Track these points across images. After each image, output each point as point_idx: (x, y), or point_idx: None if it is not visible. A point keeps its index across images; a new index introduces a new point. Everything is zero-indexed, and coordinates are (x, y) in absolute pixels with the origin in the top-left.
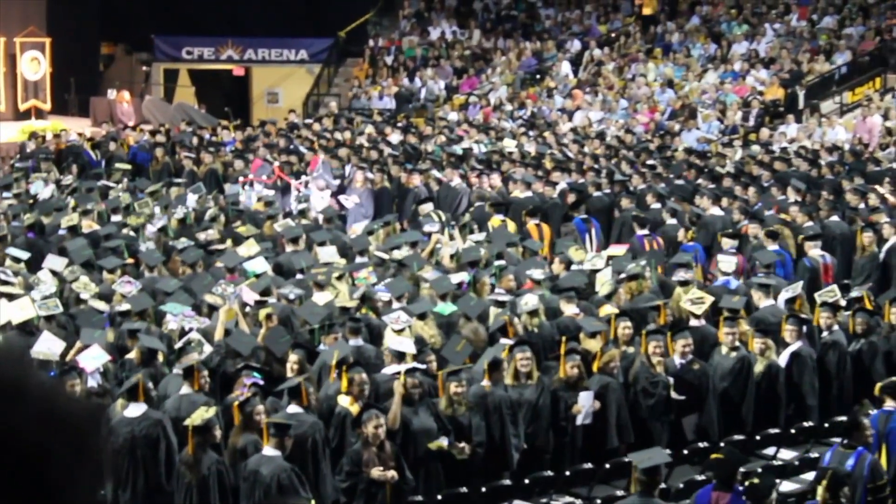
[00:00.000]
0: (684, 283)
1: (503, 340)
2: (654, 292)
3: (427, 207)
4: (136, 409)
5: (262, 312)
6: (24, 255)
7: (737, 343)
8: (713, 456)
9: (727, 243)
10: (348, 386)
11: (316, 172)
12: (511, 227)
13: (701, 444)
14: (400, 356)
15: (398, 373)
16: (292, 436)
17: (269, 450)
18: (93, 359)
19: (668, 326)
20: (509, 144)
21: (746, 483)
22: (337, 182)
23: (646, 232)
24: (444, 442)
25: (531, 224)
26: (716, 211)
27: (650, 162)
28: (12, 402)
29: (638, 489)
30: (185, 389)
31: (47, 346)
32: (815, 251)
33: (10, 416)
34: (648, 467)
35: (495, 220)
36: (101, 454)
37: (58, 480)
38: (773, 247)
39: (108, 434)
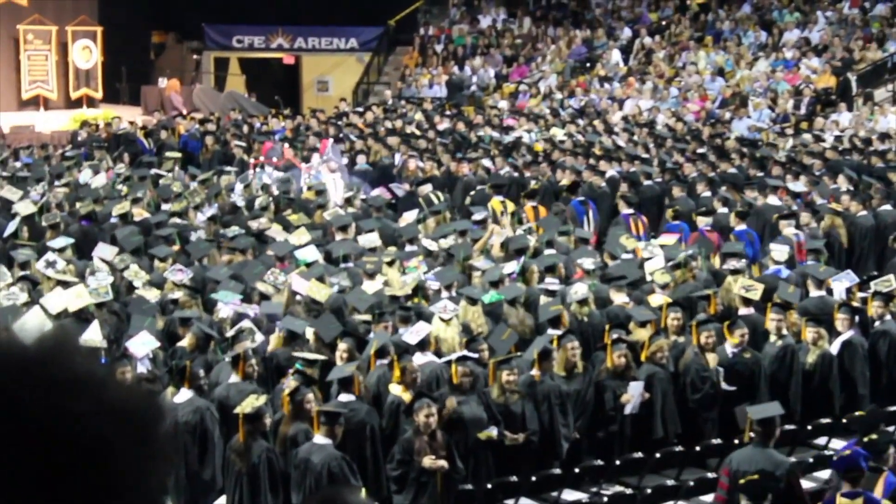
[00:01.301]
0: (735, 272)
1: (550, 331)
2: (705, 282)
3: (426, 189)
4: (183, 396)
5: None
6: (66, 241)
7: (784, 331)
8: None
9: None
10: (400, 375)
11: (326, 155)
12: (510, 207)
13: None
14: (421, 346)
15: (449, 361)
16: (342, 424)
17: (319, 438)
18: (142, 344)
19: (718, 316)
20: (559, 133)
21: (865, 439)
22: (345, 162)
23: (631, 211)
24: (493, 432)
25: (528, 206)
26: (770, 200)
27: (701, 151)
28: (71, 394)
29: (755, 440)
30: (234, 378)
31: (96, 333)
32: (788, 230)
33: (70, 408)
34: (764, 418)
35: (495, 202)
36: (164, 441)
37: (124, 471)
38: (741, 227)
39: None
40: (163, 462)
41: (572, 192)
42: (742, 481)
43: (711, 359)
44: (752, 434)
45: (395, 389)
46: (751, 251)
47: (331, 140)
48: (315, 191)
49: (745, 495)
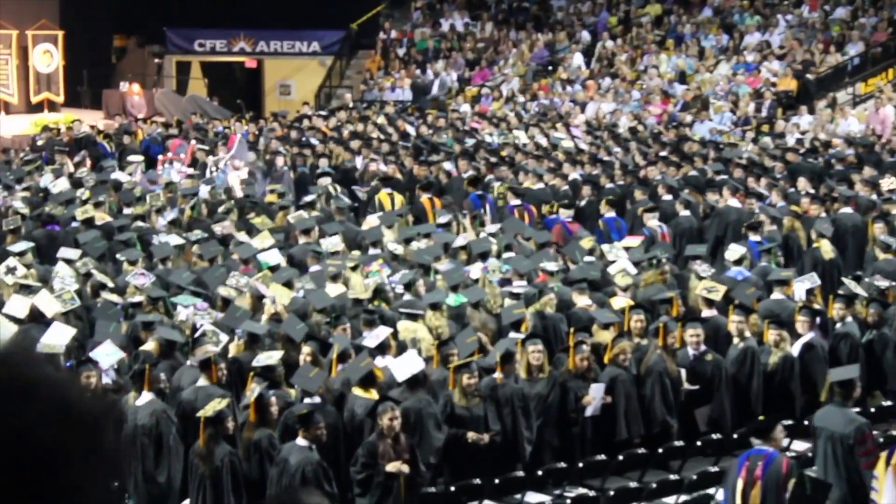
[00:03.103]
0: (700, 276)
1: (513, 334)
2: (669, 284)
3: (325, 181)
4: (143, 399)
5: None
6: (26, 245)
7: (746, 333)
8: None
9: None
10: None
11: (233, 151)
12: (399, 200)
13: (714, 436)
14: (381, 350)
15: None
16: (320, 424)
17: (300, 440)
18: (107, 356)
19: (680, 318)
20: (521, 136)
21: None
22: (252, 158)
23: (518, 202)
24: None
25: (424, 198)
26: (732, 203)
27: (663, 153)
28: (24, 400)
29: (835, 400)
30: (202, 381)
31: (54, 338)
32: (652, 222)
33: (22, 414)
34: (843, 380)
35: (383, 195)
36: (117, 448)
37: (74, 476)
38: (610, 214)
39: (122, 427)
40: (117, 466)
41: (473, 185)
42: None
43: (673, 360)
44: (833, 395)
45: (358, 392)
46: (617, 237)
47: (238, 136)
48: (277, 193)
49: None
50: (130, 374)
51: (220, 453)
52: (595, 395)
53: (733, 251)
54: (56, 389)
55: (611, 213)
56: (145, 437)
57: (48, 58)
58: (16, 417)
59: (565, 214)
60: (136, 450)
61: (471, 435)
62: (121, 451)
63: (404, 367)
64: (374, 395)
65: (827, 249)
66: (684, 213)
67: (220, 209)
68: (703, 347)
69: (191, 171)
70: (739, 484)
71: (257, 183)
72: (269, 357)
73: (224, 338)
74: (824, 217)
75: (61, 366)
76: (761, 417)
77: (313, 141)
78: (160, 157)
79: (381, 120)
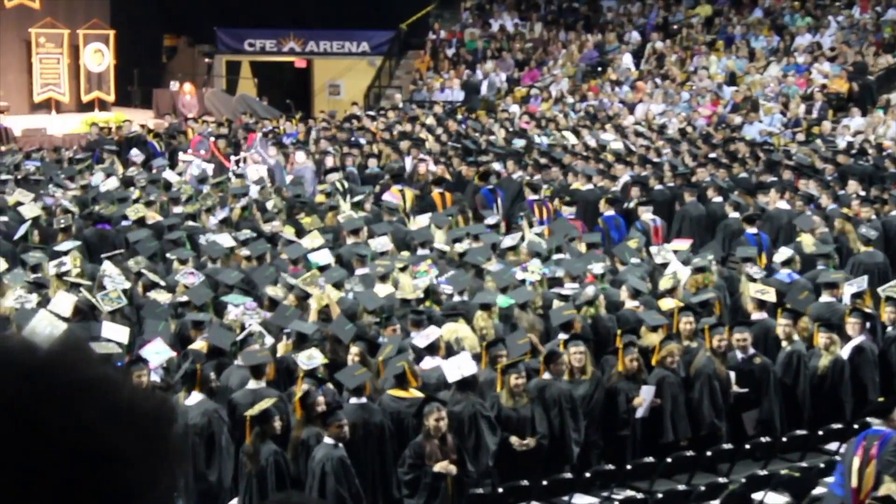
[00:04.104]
0: (752, 278)
1: (561, 335)
2: (719, 286)
3: (333, 177)
4: (193, 399)
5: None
6: (73, 244)
7: (794, 337)
8: None
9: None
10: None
11: (252, 148)
12: (409, 195)
13: (763, 439)
14: (431, 350)
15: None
16: (342, 423)
17: (327, 438)
18: (156, 354)
19: (728, 320)
20: (570, 137)
21: None
22: (273, 160)
23: (537, 197)
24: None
25: (435, 193)
26: (782, 205)
27: (712, 155)
28: (82, 400)
29: None
30: (253, 384)
31: (110, 337)
32: (646, 215)
33: (80, 415)
34: None
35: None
36: (175, 445)
37: (135, 476)
38: (609, 212)
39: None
40: (174, 466)
41: (484, 180)
42: None
43: (723, 363)
44: None
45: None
46: (616, 236)
47: (259, 134)
48: (325, 193)
49: None
50: (181, 374)
51: (266, 452)
52: (645, 397)
53: (782, 253)
54: (110, 388)
55: (610, 212)
56: (197, 437)
57: (99, 57)
58: (71, 419)
59: (567, 211)
60: (188, 449)
61: (514, 440)
62: (180, 448)
63: (456, 368)
64: (413, 394)
65: (871, 253)
66: (734, 214)
67: (269, 207)
68: (751, 351)
69: (210, 166)
70: (856, 462)
71: (306, 182)
72: (312, 357)
73: (269, 339)
74: (870, 222)
75: (115, 366)
76: (881, 399)
77: (361, 141)
78: (180, 154)
79: (430, 120)
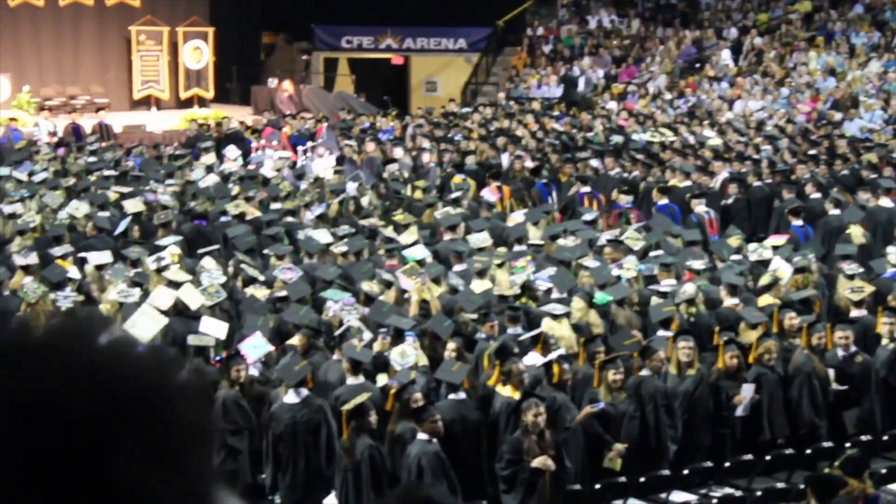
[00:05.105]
0: (850, 276)
1: (661, 332)
2: (818, 285)
3: (392, 167)
4: (295, 395)
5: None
6: (174, 239)
7: None
8: None
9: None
10: (506, 377)
11: (320, 139)
12: (472, 185)
13: (863, 437)
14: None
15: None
16: (436, 419)
17: (421, 434)
18: (254, 348)
19: (828, 318)
20: (669, 134)
21: None
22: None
23: (587, 190)
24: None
25: (493, 185)
26: (883, 202)
27: (812, 152)
28: (61, 369)
29: None
30: (351, 380)
31: (206, 331)
32: (700, 208)
33: (52, 380)
34: None
35: (457, 179)
36: (183, 435)
37: (125, 465)
38: (663, 201)
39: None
40: (178, 458)
41: (536, 174)
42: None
43: (822, 361)
44: None
45: (504, 390)
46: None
47: (325, 125)
48: (422, 189)
49: None
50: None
51: (361, 447)
52: (746, 395)
53: (892, 253)
54: (101, 361)
55: (664, 201)
56: (309, 434)
57: (198, 54)
58: (44, 382)
59: (624, 200)
60: (298, 446)
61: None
62: (186, 443)
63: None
64: (515, 394)
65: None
66: (834, 211)
67: (366, 204)
68: (852, 349)
69: (289, 154)
70: None
71: (363, 177)
72: (405, 355)
73: (368, 335)
74: None
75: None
76: None
77: (458, 137)
78: (253, 144)
79: (527, 117)
